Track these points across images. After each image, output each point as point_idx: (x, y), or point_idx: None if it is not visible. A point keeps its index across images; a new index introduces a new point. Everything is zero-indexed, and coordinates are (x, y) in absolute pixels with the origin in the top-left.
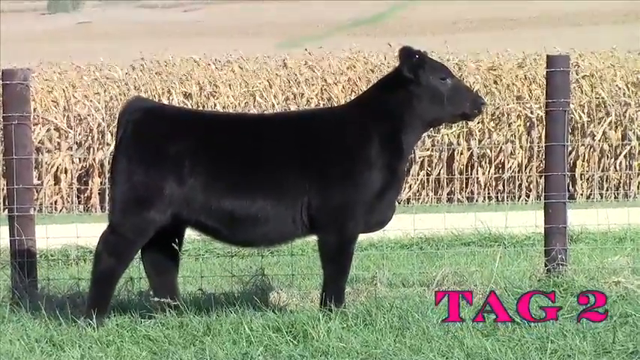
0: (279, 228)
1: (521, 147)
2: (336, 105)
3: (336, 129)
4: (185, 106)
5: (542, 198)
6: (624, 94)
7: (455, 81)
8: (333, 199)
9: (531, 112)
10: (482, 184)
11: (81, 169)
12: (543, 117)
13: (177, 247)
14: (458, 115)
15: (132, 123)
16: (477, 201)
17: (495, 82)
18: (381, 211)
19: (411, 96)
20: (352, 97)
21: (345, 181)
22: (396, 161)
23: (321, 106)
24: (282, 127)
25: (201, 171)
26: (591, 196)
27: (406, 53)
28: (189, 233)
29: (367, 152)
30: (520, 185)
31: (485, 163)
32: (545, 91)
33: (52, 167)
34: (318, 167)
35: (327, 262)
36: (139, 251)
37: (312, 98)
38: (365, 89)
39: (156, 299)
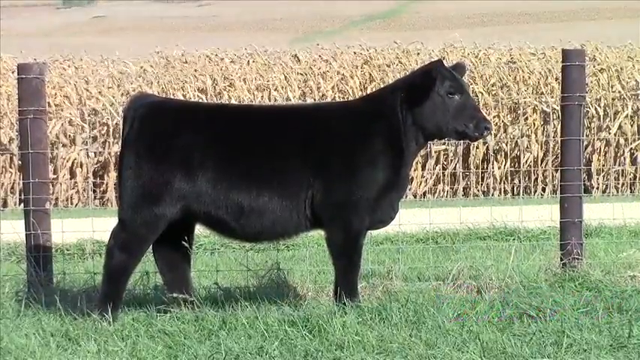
0: (284, 221)
1: (536, 141)
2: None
3: (342, 124)
4: (189, 100)
5: (558, 192)
6: None
7: (464, 99)
8: (336, 194)
9: (547, 106)
10: (498, 179)
11: (97, 164)
12: (559, 111)
13: (188, 243)
14: (459, 132)
15: (137, 119)
16: (492, 195)
17: (511, 76)
18: (383, 210)
19: (417, 104)
20: (366, 92)
21: (347, 177)
22: (398, 162)
23: (337, 100)
24: (289, 120)
25: (210, 164)
26: (607, 191)
27: (427, 64)
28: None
29: (371, 149)
30: (536, 179)
31: (501, 157)
32: (560, 86)
33: (67, 161)
34: (322, 161)
35: (336, 257)
36: (151, 248)
37: (327, 91)
38: (378, 84)
39: (174, 295)
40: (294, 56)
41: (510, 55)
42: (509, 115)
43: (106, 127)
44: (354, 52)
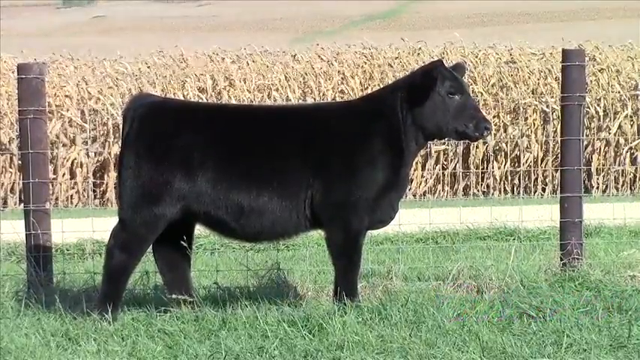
0: (284, 221)
1: (536, 141)
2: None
3: (341, 124)
4: (189, 100)
5: (558, 192)
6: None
7: (464, 99)
8: (335, 194)
9: (547, 106)
10: (498, 179)
11: (97, 164)
12: (559, 111)
13: (188, 243)
14: (459, 132)
15: (137, 119)
16: (492, 195)
17: (512, 76)
18: (382, 210)
19: (418, 104)
20: (367, 92)
21: (347, 177)
22: (398, 162)
23: (337, 99)
24: (288, 120)
25: (210, 164)
26: (607, 190)
27: (427, 64)
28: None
29: (370, 149)
30: (536, 179)
31: (501, 157)
32: (560, 86)
33: (67, 161)
34: (321, 161)
35: (336, 257)
36: (151, 248)
37: (327, 91)
38: (379, 84)
39: (173, 296)
40: (293, 56)
41: (510, 55)
42: (509, 115)
43: (105, 127)
44: (355, 52)
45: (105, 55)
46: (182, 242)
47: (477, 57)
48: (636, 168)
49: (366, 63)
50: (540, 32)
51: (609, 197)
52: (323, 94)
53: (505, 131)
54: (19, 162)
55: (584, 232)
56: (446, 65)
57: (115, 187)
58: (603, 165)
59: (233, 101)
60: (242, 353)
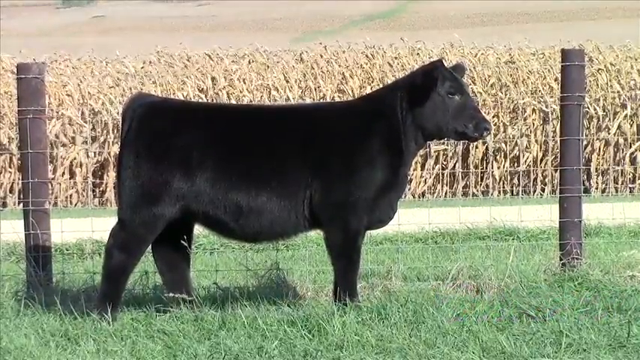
0: (283, 221)
1: (536, 141)
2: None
3: (341, 123)
4: (189, 100)
5: (558, 192)
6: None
7: (464, 99)
8: (335, 194)
9: (546, 106)
10: (498, 178)
11: (96, 163)
12: (558, 111)
13: (187, 243)
14: (458, 133)
15: (136, 119)
16: (492, 195)
17: (511, 76)
18: (382, 210)
19: (418, 104)
20: (367, 91)
21: (346, 177)
22: (398, 162)
23: (337, 99)
24: (288, 119)
25: (209, 163)
26: (606, 190)
27: (428, 64)
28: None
29: (370, 149)
30: (535, 179)
31: (501, 157)
32: (560, 85)
33: (66, 161)
34: (321, 161)
35: (335, 257)
36: (150, 248)
37: (327, 91)
38: (379, 83)
39: (171, 294)
40: (299, 55)
41: (509, 55)
42: (508, 115)
43: (105, 127)
44: (354, 51)
45: (105, 55)
46: (181, 242)
47: (476, 57)
48: (635, 168)
49: (366, 63)
50: (540, 32)
51: (608, 197)
52: (323, 95)
53: (504, 131)
54: (19, 162)
55: (584, 232)
56: (446, 65)
57: (114, 187)
58: (602, 165)
59: (233, 101)
60: (241, 353)
